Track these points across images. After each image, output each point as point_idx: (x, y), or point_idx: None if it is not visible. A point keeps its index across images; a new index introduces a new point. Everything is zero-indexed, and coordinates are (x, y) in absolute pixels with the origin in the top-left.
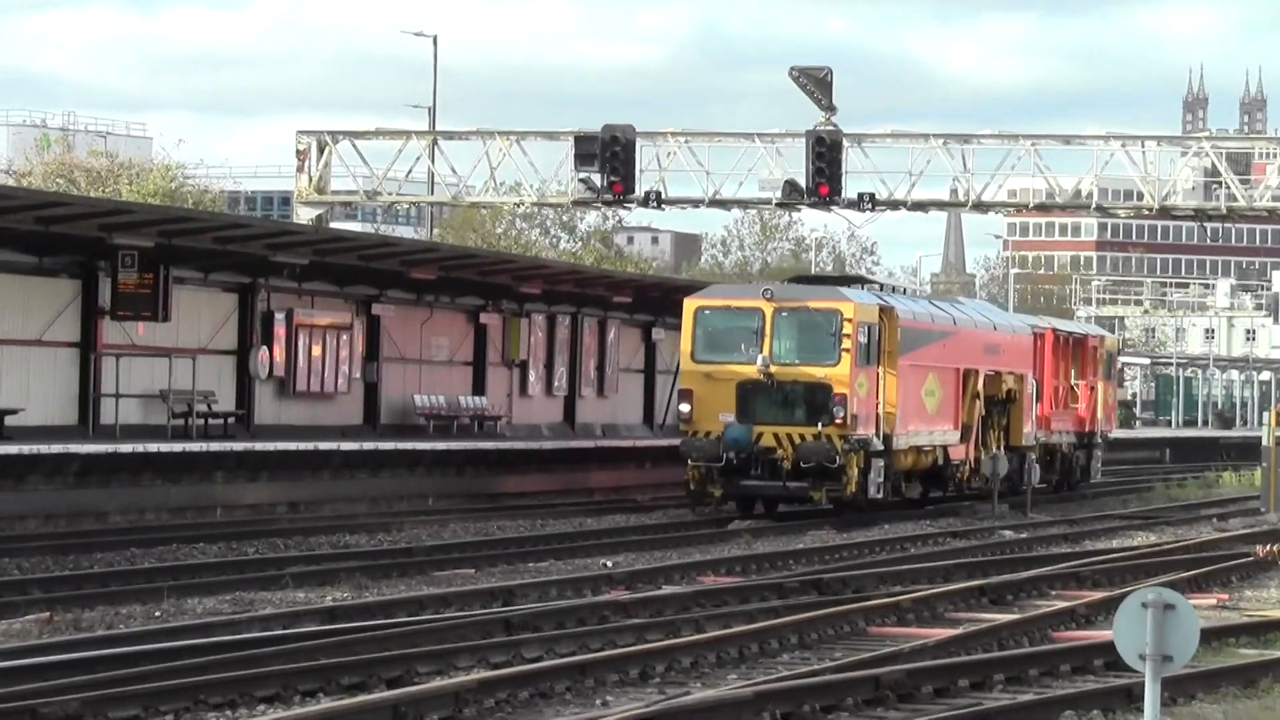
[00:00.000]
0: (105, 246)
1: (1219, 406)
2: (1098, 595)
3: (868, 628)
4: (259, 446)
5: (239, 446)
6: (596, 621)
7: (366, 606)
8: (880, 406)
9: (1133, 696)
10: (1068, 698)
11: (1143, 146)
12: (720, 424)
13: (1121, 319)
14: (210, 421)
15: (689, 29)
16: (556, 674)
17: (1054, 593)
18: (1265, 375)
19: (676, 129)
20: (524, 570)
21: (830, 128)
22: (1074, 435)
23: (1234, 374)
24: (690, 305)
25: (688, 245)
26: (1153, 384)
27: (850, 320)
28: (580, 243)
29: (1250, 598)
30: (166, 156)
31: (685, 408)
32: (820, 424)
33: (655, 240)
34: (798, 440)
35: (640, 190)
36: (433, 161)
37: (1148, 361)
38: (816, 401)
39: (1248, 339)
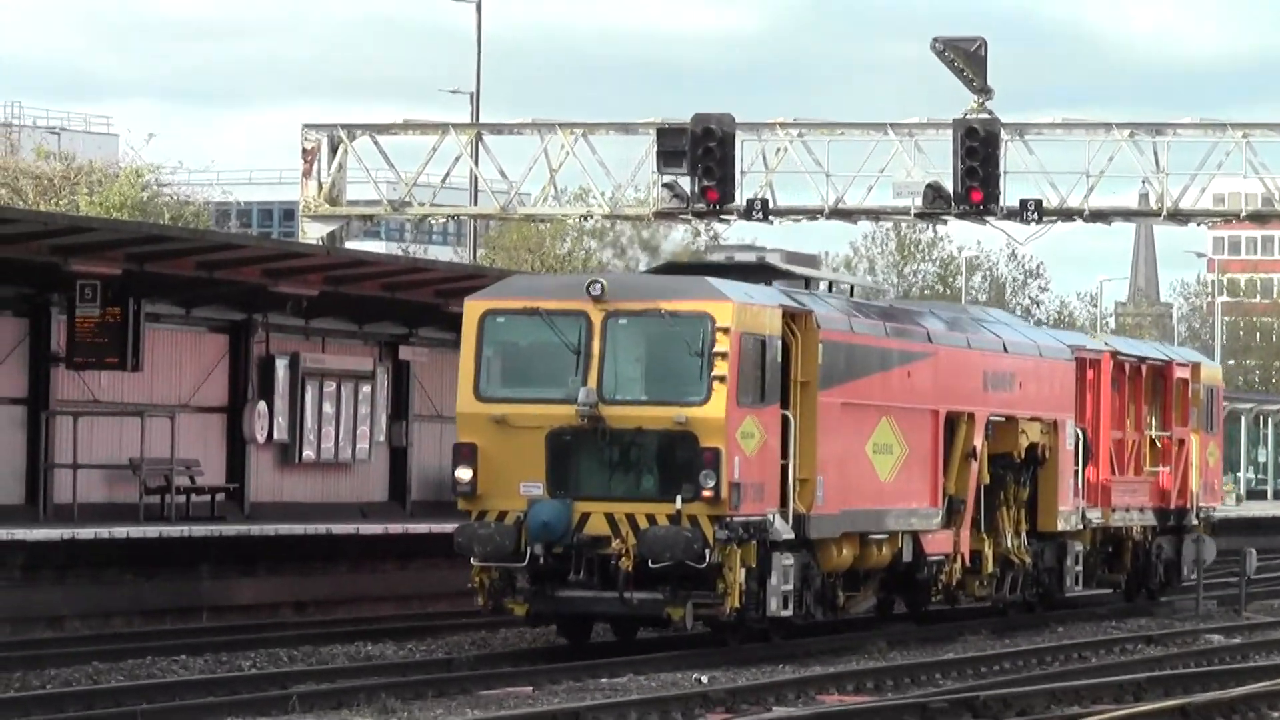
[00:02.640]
0: (59, 274)
1: None
2: None
3: None
4: (256, 530)
5: (230, 530)
6: None
7: None
8: (789, 470)
9: None
10: None
11: None
12: (522, 500)
13: None
14: (194, 499)
15: None
16: None
17: (1276, 715)
18: None
19: (787, 119)
20: (595, 688)
21: (985, 116)
22: (1153, 514)
23: None
24: (474, 309)
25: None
26: None
27: (728, 331)
28: None
29: None
30: (136, 157)
31: (465, 474)
32: (680, 499)
33: (760, 259)
34: (644, 525)
35: (741, 198)
36: (476, 163)
37: None
38: (673, 462)
39: None
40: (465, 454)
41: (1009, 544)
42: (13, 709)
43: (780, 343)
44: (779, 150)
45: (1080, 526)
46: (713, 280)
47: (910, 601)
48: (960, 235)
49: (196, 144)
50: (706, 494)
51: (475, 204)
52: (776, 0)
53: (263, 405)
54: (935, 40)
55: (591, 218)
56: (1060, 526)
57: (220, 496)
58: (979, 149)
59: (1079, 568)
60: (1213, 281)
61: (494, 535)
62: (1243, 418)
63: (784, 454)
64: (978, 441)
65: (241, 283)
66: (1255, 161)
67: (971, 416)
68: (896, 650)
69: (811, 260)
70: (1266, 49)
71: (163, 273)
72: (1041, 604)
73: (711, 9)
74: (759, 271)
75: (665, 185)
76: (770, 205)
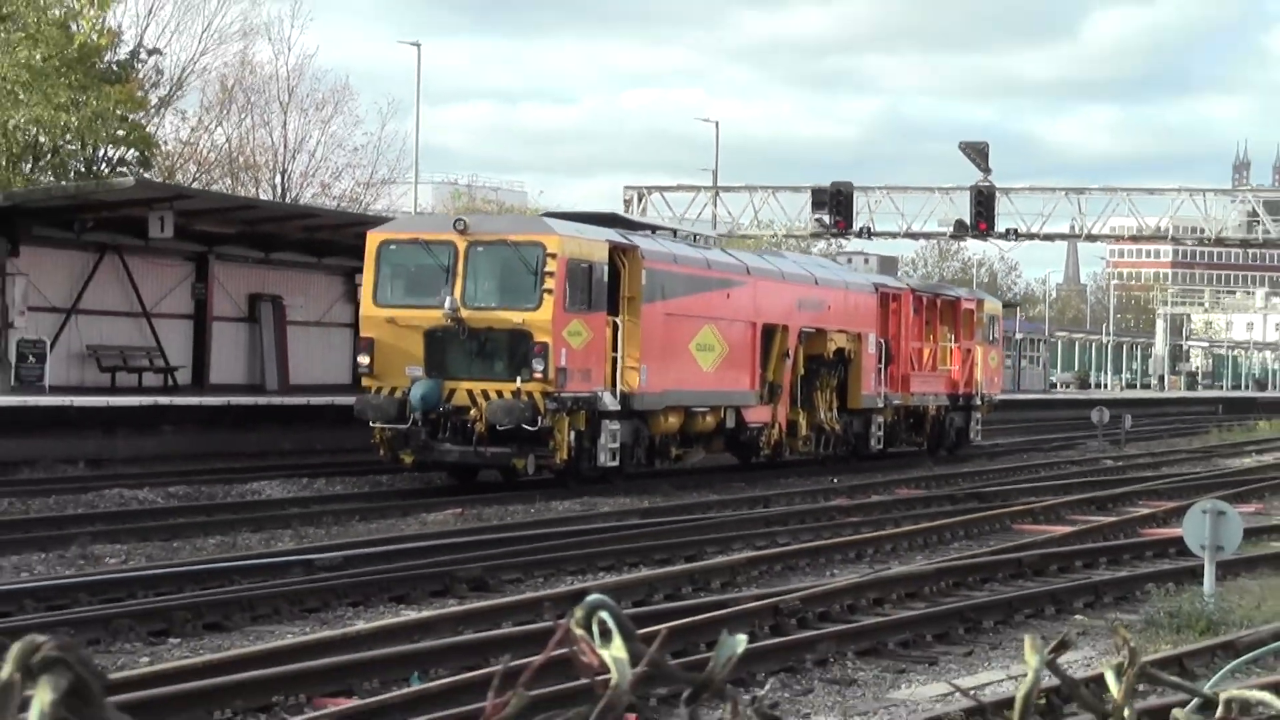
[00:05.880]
0: None
1: (1256, 376)
2: (1172, 505)
3: (1012, 525)
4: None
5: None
6: (827, 519)
7: (671, 507)
8: (619, 360)
9: (1196, 574)
10: (1151, 574)
11: (1204, 196)
12: (406, 379)
13: (1188, 315)
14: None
15: (878, 113)
16: (799, 555)
17: (1141, 502)
18: None
19: (880, 184)
20: (775, 484)
21: (987, 183)
22: (946, 398)
23: (1268, 354)
24: (373, 239)
25: (888, 264)
26: (1211, 360)
27: (555, 256)
28: None
29: (1279, 507)
30: (535, 202)
31: (365, 360)
32: (519, 379)
33: (866, 260)
34: (494, 398)
35: (856, 225)
36: (715, 207)
37: (1207, 344)
38: (515, 352)
39: (1277, 329)
40: (365, 345)
41: (822, 417)
42: (473, 490)
43: (607, 267)
44: (877, 200)
45: (882, 405)
46: (548, 219)
47: (767, 457)
48: (973, 248)
49: (565, 196)
50: (538, 376)
51: (714, 229)
52: (869, 119)
53: None
54: (961, 143)
55: (775, 236)
56: (864, 405)
57: None
58: (984, 201)
59: (880, 433)
60: (1109, 273)
61: (384, 404)
62: (1059, 343)
63: (609, 348)
64: (791, 345)
65: None
66: (1133, 208)
67: (785, 328)
68: (939, 467)
69: (891, 261)
70: (1138, 148)
71: None
72: (853, 457)
73: (834, 125)
74: (611, 221)
75: (815, 219)
76: (871, 230)
